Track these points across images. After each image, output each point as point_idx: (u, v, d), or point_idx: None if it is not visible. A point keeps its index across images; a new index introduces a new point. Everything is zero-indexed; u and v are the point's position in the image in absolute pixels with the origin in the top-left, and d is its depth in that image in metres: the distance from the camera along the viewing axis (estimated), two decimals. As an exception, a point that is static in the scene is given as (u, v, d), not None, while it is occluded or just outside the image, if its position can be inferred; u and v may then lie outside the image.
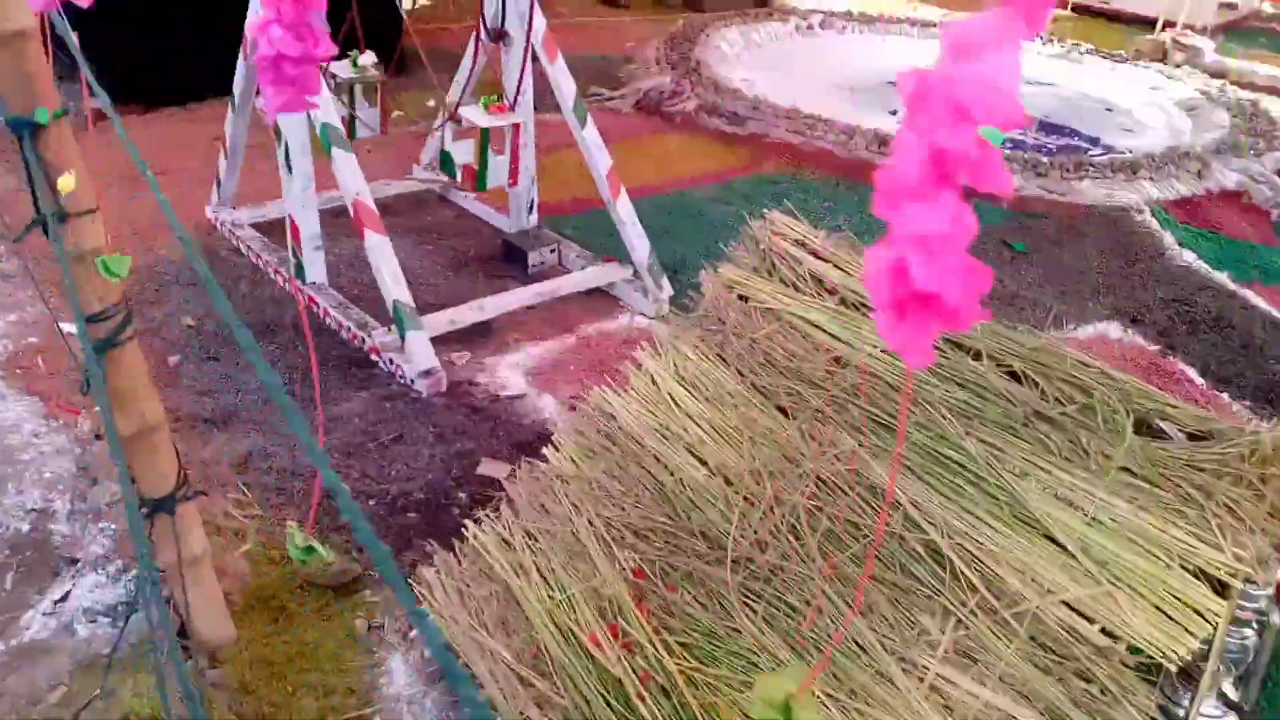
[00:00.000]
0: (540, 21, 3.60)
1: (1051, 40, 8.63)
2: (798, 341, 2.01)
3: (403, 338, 3.06)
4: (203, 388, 3.12)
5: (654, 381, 2.06)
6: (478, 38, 3.81)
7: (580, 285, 3.69)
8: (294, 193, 3.35)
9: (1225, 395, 3.56)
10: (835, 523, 1.77)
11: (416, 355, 3.05)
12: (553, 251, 3.97)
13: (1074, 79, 7.71)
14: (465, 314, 3.37)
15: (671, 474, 1.91)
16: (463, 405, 3.11)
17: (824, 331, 2.01)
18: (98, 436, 2.63)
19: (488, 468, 2.84)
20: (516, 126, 3.54)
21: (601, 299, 3.78)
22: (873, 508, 1.76)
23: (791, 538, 1.77)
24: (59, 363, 3.04)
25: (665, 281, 3.68)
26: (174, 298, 3.61)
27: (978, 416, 1.78)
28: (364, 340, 3.27)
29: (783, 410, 1.96)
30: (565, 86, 3.58)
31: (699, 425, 1.94)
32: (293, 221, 3.42)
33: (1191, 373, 3.67)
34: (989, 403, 1.79)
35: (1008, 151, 5.33)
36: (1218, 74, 7.88)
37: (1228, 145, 5.78)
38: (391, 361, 3.18)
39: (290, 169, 3.30)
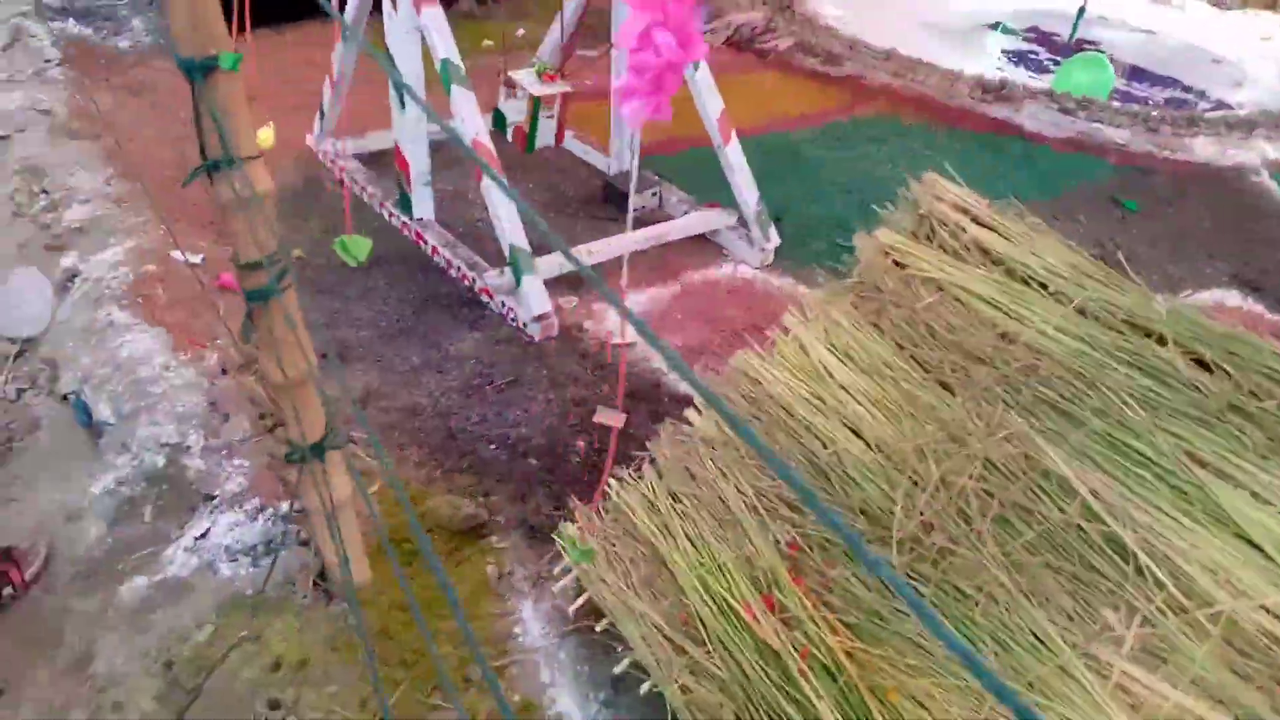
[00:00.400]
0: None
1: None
2: (961, 314, 1.94)
3: (518, 282, 3.03)
4: (317, 320, 3.11)
5: (803, 349, 2.00)
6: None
7: (686, 231, 3.61)
8: (406, 128, 3.29)
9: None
10: (1006, 508, 1.72)
11: (532, 299, 3.02)
12: (654, 195, 3.89)
13: (1176, 26, 7.34)
14: (576, 258, 3.32)
15: (825, 446, 1.87)
16: (575, 352, 3.08)
17: (990, 304, 1.93)
18: (224, 371, 2.64)
19: (604, 416, 2.81)
20: (564, 95, 3.46)
21: (705, 246, 3.71)
22: (1047, 494, 1.71)
23: (960, 520, 1.73)
24: (180, 290, 3.05)
25: (773, 231, 3.60)
26: (280, 229, 3.59)
27: (1165, 406, 1.71)
28: (475, 281, 3.24)
29: (946, 386, 1.90)
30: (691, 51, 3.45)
31: (854, 398, 1.89)
32: (402, 157, 3.38)
33: (1316, 346, 3.53)
34: (1176, 392, 1.72)
35: (1116, 104, 5.11)
36: (1333, 24, 7.46)
37: (1349, 103, 5.49)
38: (504, 305, 3.15)
39: (403, 104, 3.24)
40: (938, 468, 1.78)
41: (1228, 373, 1.73)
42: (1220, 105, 5.74)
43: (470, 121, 2.99)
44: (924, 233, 2.20)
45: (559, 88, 3.45)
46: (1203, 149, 4.86)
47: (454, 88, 2.97)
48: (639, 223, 3.75)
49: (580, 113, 4.52)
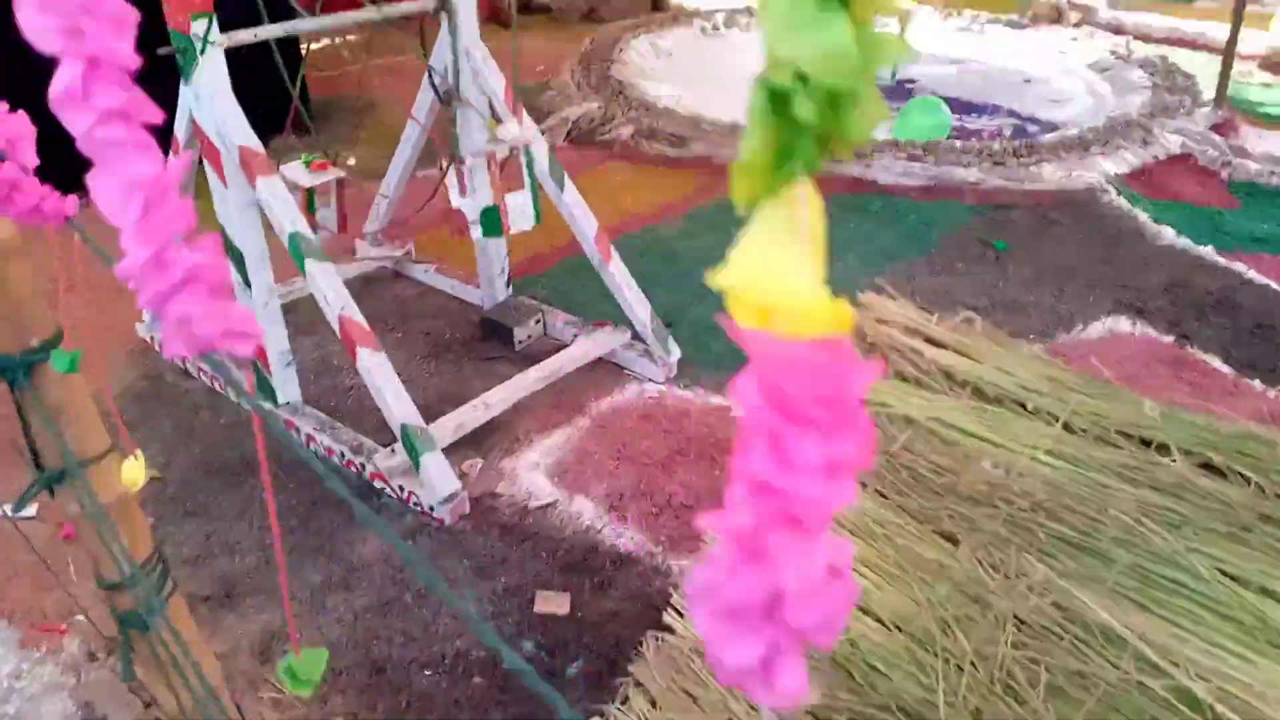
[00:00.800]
0: (500, 80, 3.26)
1: (945, 11, 8.63)
2: (943, 450, 1.76)
3: (417, 464, 2.69)
4: (189, 554, 2.68)
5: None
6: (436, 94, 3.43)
7: (582, 360, 3.36)
8: (256, 310, 2.92)
9: (1256, 382, 3.47)
10: (1055, 674, 1.52)
11: (436, 481, 2.69)
12: (538, 322, 3.63)
13: (983, 51, 7.71)
14: (472, 415, 3.01)
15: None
16: (493, 527, 2.75)
17: (970, 435, 1.76)
18: (92, 656, 2.18)
19: (545, 604, 2.51)
20: (338, 181, 3.26)
21: (604, 367, 3.46)
22: (1091, 649, 1.53)
23: (1010, 699, 1.52)
24: (15, 559, 2.55)
25: (672, 342, 3.39)
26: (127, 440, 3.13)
27: (1188, 524, 1.57)
28: (364, 467, 2.88)
29: (947, 537, 1.70)
30: (538, 151, 3.24)
31: (853, 569, 1.67)
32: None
33: (1214, 361, 3.58)
34: (1197, 507, 1.58)
35: (958, 143, 5.21)
36: (1116, 30, 8.01)
37: (1159, 107, 5.81)
38: (402, 489, 2.80)
39: (248, 283, 2.88)
40: (968, 640, 1.57)
41: (1245, 477, 1.60)
42: (1050, 127, 5.98)
43: (335, 297, 2.66)
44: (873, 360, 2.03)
45: (331, 174, 3.22)
46: (1050, 175, 4.99)
47: (309, 263, 2.64)
48: (528, 358, 3.48)
49: (441, 245, 4.24)
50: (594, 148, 5.62)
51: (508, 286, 3.75)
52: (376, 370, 2.68)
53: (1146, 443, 1.69)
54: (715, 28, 7.99)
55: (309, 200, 3.23)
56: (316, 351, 3.53)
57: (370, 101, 6.02)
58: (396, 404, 2.70)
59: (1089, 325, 3.77)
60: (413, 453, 2.71)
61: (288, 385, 3.10)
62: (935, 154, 5.04)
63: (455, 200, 3.03)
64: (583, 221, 3.27)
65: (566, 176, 3.29)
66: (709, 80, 6.90)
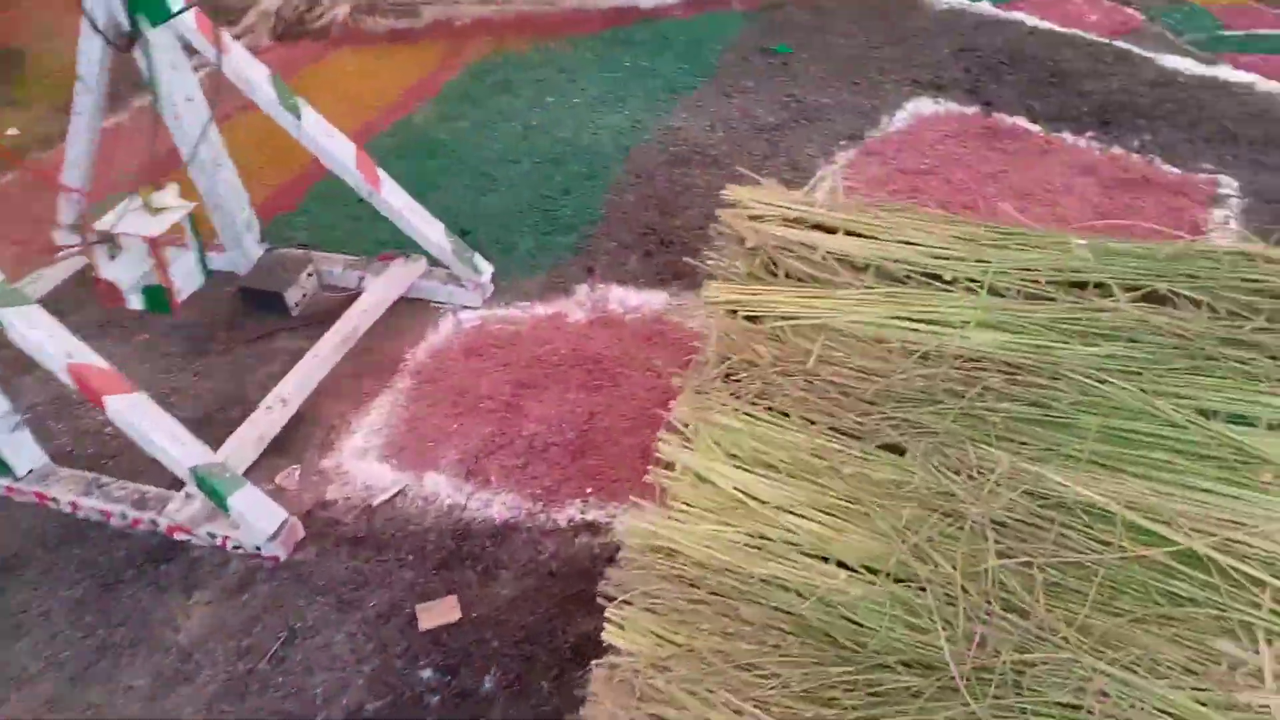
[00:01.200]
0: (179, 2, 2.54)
1: None
2: (865, 350, 1.46)
3: (224, 507, 2.18)
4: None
5: (703, 480, 1.43)
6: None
7: (381, 307, 2.85)
8: (-60, 375, 2.23)
9: (1067, 135, 3.39)
10: (1052, 572, 1.31)
11: (255, 518, 2.19)
12: (310, 275, 3.05)
13: None
14: (270, 420, 2.49)
15: (803, 597, 1.35)
16: (339, 545, 2.30)
17: (892, 325, 1.46)
18: None
19: (430, 617, 2.13)
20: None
21: (405, 309, 2.96)
22: (1081, 532, 1.32)
23: (1015, 616, 1.29)
24: None
25: (479, 259, 2.92)
26: None
27: (1148, 369, 1.35)
28: (156, 523, 2.33)
29: (894, 449, 1.42)
30: (257, 78, 2.60)
31: (802, 515, 1.37)
32: (-46, 413, 2.32)
33: (1023, 122, 3.48)
34: (1153, 346, 1.36)
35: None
36: None
37: None
38: (213, 535, 2.29)
39: (-83, 348, 2.17)
40: (951, 564, 1.32)
41: (1193, 301, 1.39)
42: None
43: (54, 346, 2.02)
44: (764, 265, 1.66)
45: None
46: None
47: (6, 313, 1.97)
48: (312, 322, 2.93)
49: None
50: (308, 40, 4.79)
51: (260, 242, 3.11)
52: (135, 414, 2.10)
53: (1081, 285, 1.46)
54: None
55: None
56: (43, 391, 2.82)
57: (17, 49, 4.86)
58: (175, 446, 2.14)
59: (894, 115, 3.56)
60: (215, 495, 2.18)
61: (24, 450, 2.45)
62: (687, -38, 4.58)
63: (105, 270, 2.41)
64: (334, 149, 2.68)
65: (302, 102, 2.66)
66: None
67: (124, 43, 2.63)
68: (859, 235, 1.62)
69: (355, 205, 3.29)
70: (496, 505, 2.31)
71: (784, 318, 1.54)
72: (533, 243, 3.12)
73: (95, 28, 2.63)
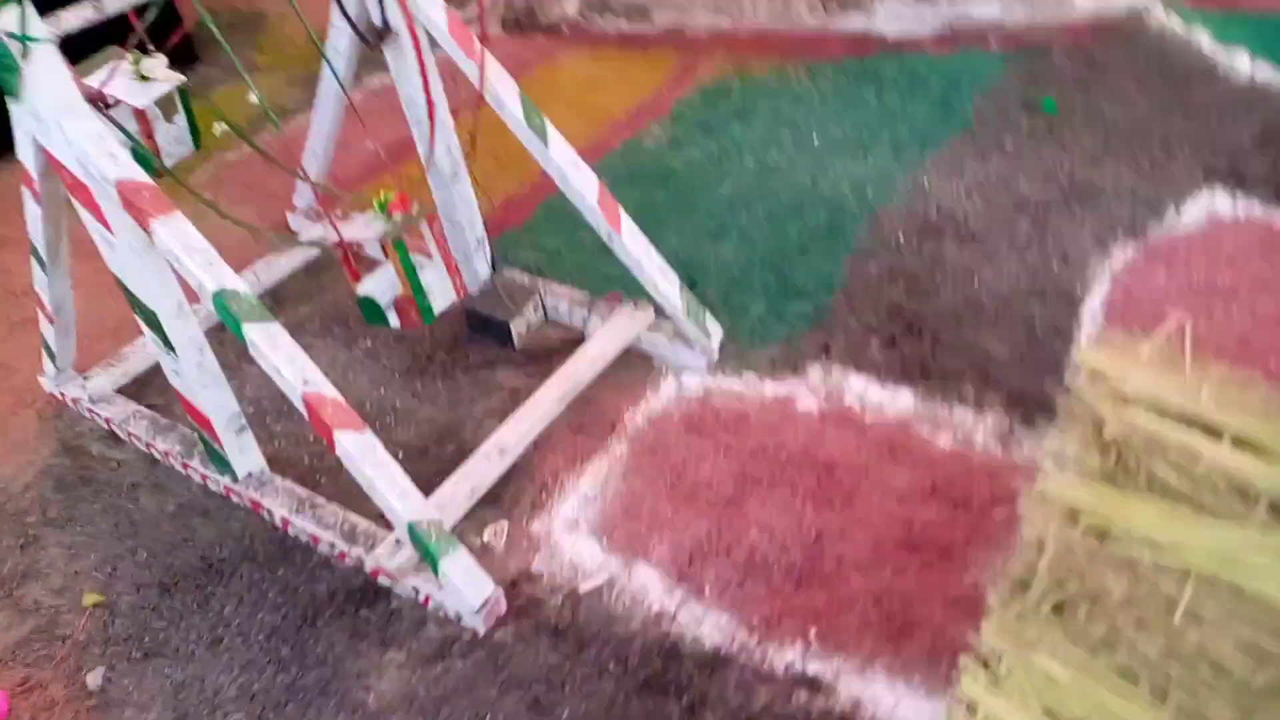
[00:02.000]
0: (440, 7, 2.45)
1: None
2: (1253, 618, 1.20)
3: (436, 570, 2.09)
4: (159, 711, 2.10)
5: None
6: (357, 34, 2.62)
7: (606, 359, 2.71)
8: (187, 375, 2.22)
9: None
10: None
11: (464, 587, 2.10)
12: (536, 309, 2.94)
13: None
14: (486, 470, 2.39)
15: None
16: (540, 632, 2.15)
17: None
18: None
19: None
20: (432, 218, 2.46)
21: (626, 358, 2.80)
22: None
23: None
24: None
25: (710, 320, 2.74)
26: (52, 548, 2.48)
27: None
28: (362, 562, 2.27)
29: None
30: (507, 96, 2.47)
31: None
32: (195, 411, 2.31)
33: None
34: None
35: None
36: None
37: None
38: (417, 591, 2.21)
39: (170, 345, 2.16)
40: None
41: None
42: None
43: (292, 370, 1.96)
44: (1117, 468, 1.41)
45: (418, 214, 2.39)
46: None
47: (248, 328, 1.92)
48: (534, 355, 2.84)
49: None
50: (538, 34, 4.71)
51: (489, 262, 3.02)
52: (364, 458, 2.02)
53: None
54: None
55: (402, 257, 2.38)
56: (267, 386, 2.82)
57: (259, 11, 4.97)
58: (396, 496, 2.06)
59: (1182, 208, 3.16)
60: (428, 555, 2.10)
61: (246, 454, 2.44)
62: (944, -9, 4.23)
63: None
64: (578, 182, 2.54)
65: (549, 125, 2.53)
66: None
67: (375, 38, 2.56)
68: (1252, 447, 1.33)
69: (583, 230, 3.16)
70: (708, 625, 2.12)
71: (1146, 544, 1.29)
72: (764, 307, 2.91)
73: (346, 16, 2.57)
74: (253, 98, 4.42)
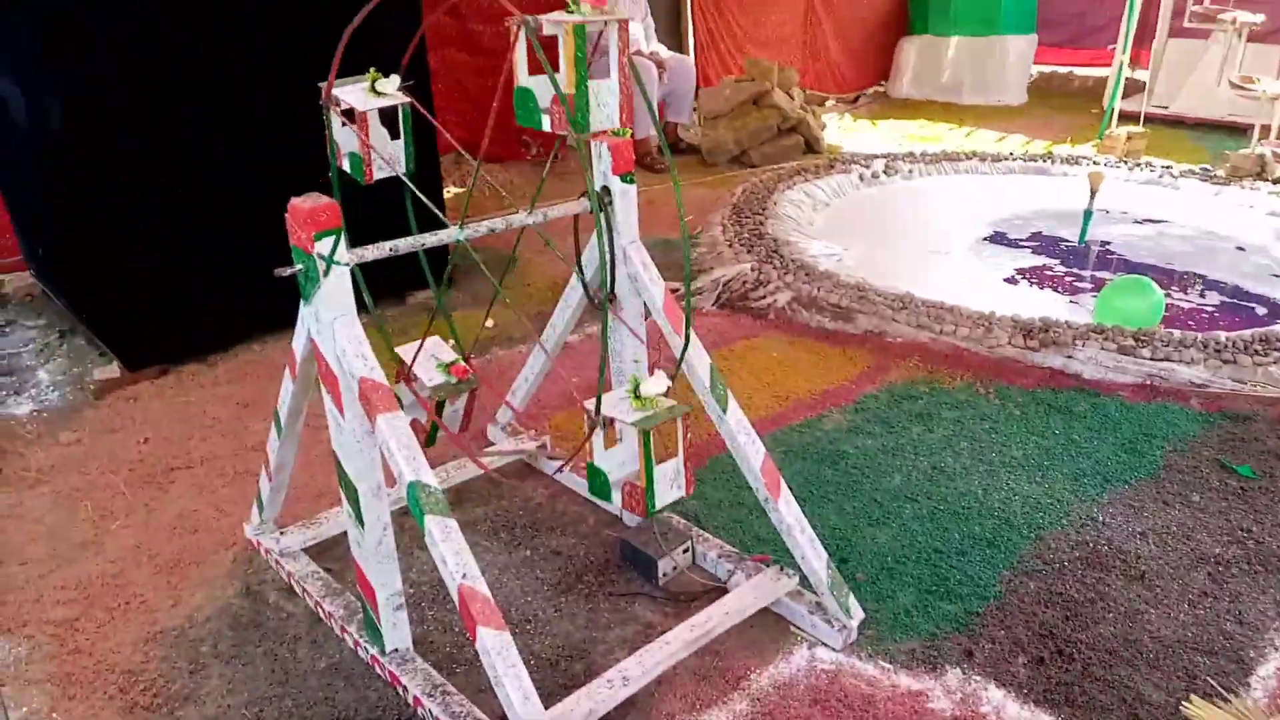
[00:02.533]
0: (659, 286, 2.82)
1: (1129, 162, 7.93)
2: None
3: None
4: None
5: None
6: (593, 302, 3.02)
7: (743, 615, 2.78)
8: (367, 549, 2.49)
9: None
10: None
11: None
12: (686, 552, 3.08)
13: (1181, 213, 6.94)
14: (606, 696, 2.46)
15: None
16: None
17: None
18: None
19: None
20: (474, 392, 2.89)
21: (761, 617, 2.86)
22: None
23: None
24: None
25: (853, 602, 2.78)
26: (214, 679, 2.71)
27: None
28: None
29: None
30: (699, 362, 2.76)
31: None
32: (365, 582, 2.56)
33: None
34: None
35: (1176, 332, 4.48)
36: (1332, 189, 7.12)
37: None
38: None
39: (361, 519, 2.45)
40: None
41: None
42: (1276, 308, 5.17)
43: (455, 563, 2.19)
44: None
45: (466, 386, 2.85)
46: (1292, 377, 4.20)
47: (429, 519, 2.19)
48: (674, 596, 2.94)
49: (579, 430, 3.79)
50: (747, 315, 5.15)
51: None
52: (498, 657, 2.17)
53: None
54: (875, 175, 7.53)
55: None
56: (429, 573, 3.07)
57: (511, 257, 5.75)
58: (520, 699, 2.17)
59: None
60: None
61: (398, 630, 2.63)
62: (1150, 345, 4.32)
63: (598, 458, 2.55)
64: (747, 449, 2.74)
65: (730, 396, 2.78)
66: (872, 236, 6.41)
67: (601, 302, 2.96)
68: None
69: (745, 490, 3.34)
70: None
71: None
72: (913, 599, 2.92)
73: (583, 283, 3.00)
74: (489, 323, 5.06)
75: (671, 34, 8.85)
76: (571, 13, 2.27)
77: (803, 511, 2.79)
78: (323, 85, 2.41)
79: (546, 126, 2.40)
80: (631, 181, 2.79)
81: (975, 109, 10.76)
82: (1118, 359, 4.29)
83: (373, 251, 2.26)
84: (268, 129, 4.39)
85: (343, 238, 2.15)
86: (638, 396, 2.50)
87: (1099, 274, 5.79)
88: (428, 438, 2.95)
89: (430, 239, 2.41)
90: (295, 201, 2.15)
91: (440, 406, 2.93)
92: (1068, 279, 5.71)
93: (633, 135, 3.29)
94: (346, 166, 2.57)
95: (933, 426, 3.95)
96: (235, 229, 4.43)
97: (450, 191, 7.10)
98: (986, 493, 3.48)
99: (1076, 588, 2.97)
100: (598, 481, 2.58)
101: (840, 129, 9.81)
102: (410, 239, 2.36)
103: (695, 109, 8.43)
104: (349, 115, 2.48)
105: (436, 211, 2.56)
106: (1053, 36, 11.71)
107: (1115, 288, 4.89)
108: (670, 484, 2.56)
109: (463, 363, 2.91)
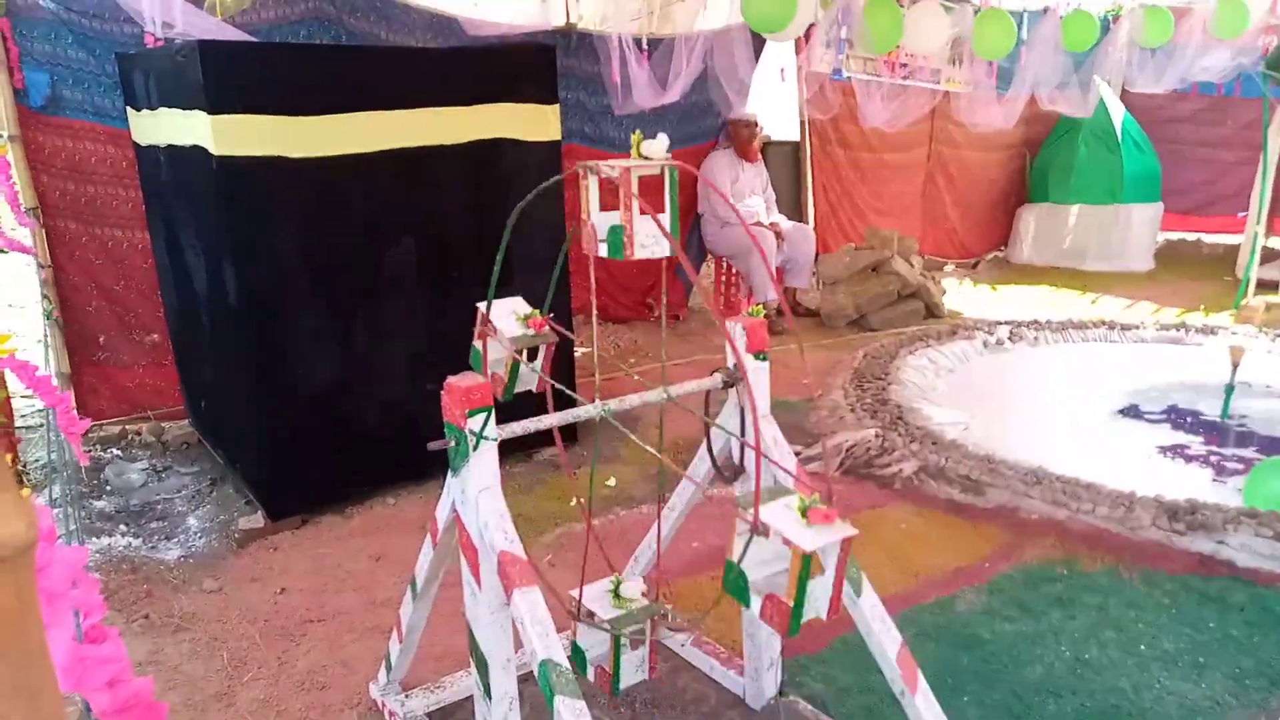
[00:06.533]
0: (791, 459, 2.83)
1: (1270, 333, 7.62)
2: None
3: None
4: None
5: None
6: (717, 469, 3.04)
7: (873, 816, 2.63)
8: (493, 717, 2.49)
9: None
10: None
11: None
12: (813, 740, 2.95)
13: (1332, 386, 6.59)
14: None
15: None
16: None
17: None
18: None
19: None
20: (550, 346, 2.74)
21: (895, 821, 2.70)
22: None
23: None
24: None
25: (995, 809, 2.59)
26: None
27: None
28: None
29: None
30: (830, 552, 2.71)
31: None
32: (487, 751, 2.55)
33: None
34: None
35: (1340, 518, 4.18)
36: None
37: None
38: None
39: (489, 692, 2.46)
40: None
41: None
42: None
43: (579, 746, 2.17)
44: None
45: (545, 338, 2.73)
46: None
47: (559, 700, 2.18)
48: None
49: (701, 597, 3.74)
50: (871, 482, 5.07)
51: (777, 681, 3.13)
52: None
53: None
54: (999, 342, 7.45)
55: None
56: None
57: (636, 415, 5.87)
58: None
59: None
60: None
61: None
62: (1312, 533, 4.04)
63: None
64: (882, 636, 2.66)
65: (864, 578, 2.72)
66: (999, 405, 6.29)
67: (730, 475, 2.98)
68: None
69: (876, 674, 3.20)
70: None
71: None
72: (1061, 809, 2.71)
73: (712, 458, 3.02)
74: (610, 481, 5.12)
75: (793, 206, 9.14)
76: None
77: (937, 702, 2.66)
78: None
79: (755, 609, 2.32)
80: (765, 359, 2.86)
81: (1100, 275, 10.60)
82: (1275, 547, 4.02)
83: (519, 427, 2.37)
84: (417, 303, 4.70)
85: (492, 415, 2.27)
86: (617, 595, 2.51)
87: (1241, 451, 5.50)
88: (505, 390, 2.76)
89: (572, 415, 2.51)
90: (452, 380, 2.29)
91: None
92: (1212, 457, 5.43)
93: (763, 307, 3.38)
94: (603, 252, 2.33)
95: (1074, 613, 3.74)
96: (376, 393, 4.69)
97: (580, 351, 7.36)
98: (1137, 690, 3.25)
99: (1248, 808, 2.71)
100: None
101: (961, 294, 9.79)
102: (553, 416, 2.46)
103: (815, 274, 8.59)
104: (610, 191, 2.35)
105: (573, 395, 2.67)
106: (1178, 204, 11.56)
107: (1268, 469, 4.63)
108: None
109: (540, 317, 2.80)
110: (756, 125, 8.28)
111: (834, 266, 8.48)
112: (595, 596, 2.70)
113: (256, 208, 4.21)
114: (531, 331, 2.79)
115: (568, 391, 2.65)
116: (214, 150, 4.05)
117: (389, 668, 3.17)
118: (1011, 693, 3.25)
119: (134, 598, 3.99)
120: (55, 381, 4.99)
